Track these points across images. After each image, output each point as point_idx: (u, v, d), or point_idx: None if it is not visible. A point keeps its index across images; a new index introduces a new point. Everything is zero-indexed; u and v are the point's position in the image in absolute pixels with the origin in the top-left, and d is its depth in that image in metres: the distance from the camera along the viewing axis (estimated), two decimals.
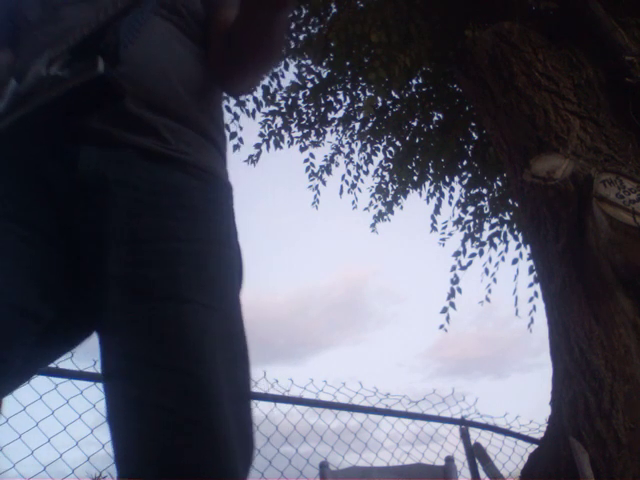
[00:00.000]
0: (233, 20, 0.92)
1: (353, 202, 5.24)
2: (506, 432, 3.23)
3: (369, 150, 5.02)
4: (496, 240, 4.84)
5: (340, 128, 4.96)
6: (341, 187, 5.16)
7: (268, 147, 4.74)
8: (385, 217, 5.24)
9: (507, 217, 4.80)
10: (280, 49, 0.96)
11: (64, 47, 0.81)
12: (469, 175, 4.86)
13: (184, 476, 0.67)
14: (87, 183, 0.80)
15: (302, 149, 4.93)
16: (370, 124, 4.85)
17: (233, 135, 4.45)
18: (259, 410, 2.51)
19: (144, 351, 0.72)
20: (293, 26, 4.26)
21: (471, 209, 4.95)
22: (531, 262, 4.29)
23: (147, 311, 0.74)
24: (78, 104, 0.79)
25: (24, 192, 0.82)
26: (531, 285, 4.65)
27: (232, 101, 4.32)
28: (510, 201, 4.62)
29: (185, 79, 0.89)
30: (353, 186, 5.17)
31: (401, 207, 5.20)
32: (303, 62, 4.46)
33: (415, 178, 4.96)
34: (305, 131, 4.84)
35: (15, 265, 0.78)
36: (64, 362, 1.95)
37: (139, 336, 0.73)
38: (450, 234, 5.04)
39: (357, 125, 4.93)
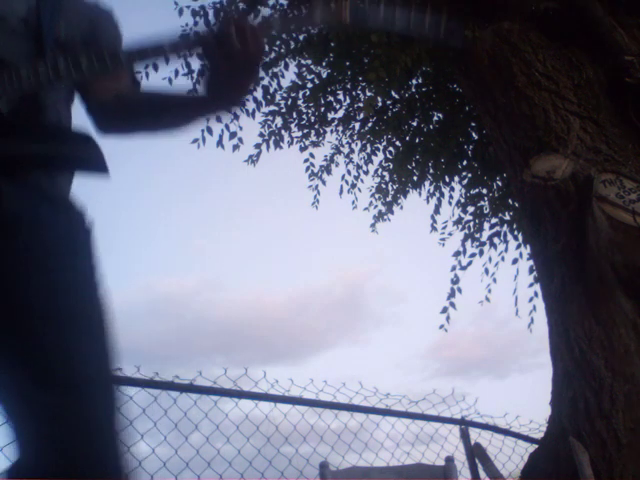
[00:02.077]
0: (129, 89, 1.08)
1: (353, 202, 5.26)
2: (506, 432, 3.23)
3: (369, 150, 5.03)
4: (496, 240, 4.84)
5: (340, 128, 4.96)
6: (341, 187, 5.18)
7: (268, 147, 4.74)
8: (385, 217, 5.25)
9: (507, 217, 4.80)
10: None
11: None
12: (469, 175, 4.86)
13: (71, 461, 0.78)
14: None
15: (302, 149, 4.93)
16: (370, 124, 4.85)
17: (233, 135, 4.45)
18: (259, 410, 2.51)
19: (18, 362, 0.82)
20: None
21: (471, 209, 4.95)
22: (531, 262, 4.29)
23: (26, 331, 0.83)
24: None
25: None
26: (531, 285, 4.66)
27: None
28: (510, 201, 4.62)
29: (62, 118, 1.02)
30: (353, 186, 5.17)
31: (401, 207, 5.21)
32: (303, 62, 4.46)
33: (415, 178, 4.96)
34: (305, 131, 4.84)
35: None
36: None
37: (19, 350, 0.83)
38: (450, 234, 5.05)
39: (357, 125, 4.94)
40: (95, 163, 0.93)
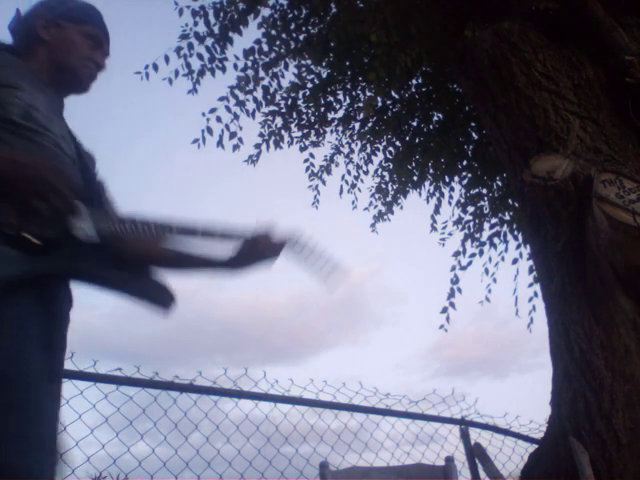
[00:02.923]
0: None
1: (353, 202, 5.25)
2: (506, 432, 3.23)
3: (369, 150, 5.03)
4: (496, 240, 4.85)
5: (340, 128, 4.96)
6: (341, 187, 5.18)
7: (268, 147, 4.74)
8: (385, 217, 5.24)
9: (507, 217, 4.81)
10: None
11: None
12: (469, 175, 4.86)
13: None
14: None
15: (302, 149, 4.93)
16: (370, 124, 4.85)
17: (233, 135, 4.45)
18: (259, 410, 2.51)
19: None
20: (293, 26, 4.26)
21: (471, 209, 4.95)
22: (531, 262, 4.29)
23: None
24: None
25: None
26: (531, 285, 4.67)
27: (232, 101, 4.33)
28: (510, 201, 4.62)
29: None
30: (353, 186, 5.17)
31: (401, 207, 5.21)
32: (303, 62, 4.46)
33: (415, 178, 4.96)
34: (305, 131, 4.84)
35: None
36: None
37: None
38: (450, 234, 5.05)
39: (357, 125, 4.94)
40: (159, 301, 1.22)
